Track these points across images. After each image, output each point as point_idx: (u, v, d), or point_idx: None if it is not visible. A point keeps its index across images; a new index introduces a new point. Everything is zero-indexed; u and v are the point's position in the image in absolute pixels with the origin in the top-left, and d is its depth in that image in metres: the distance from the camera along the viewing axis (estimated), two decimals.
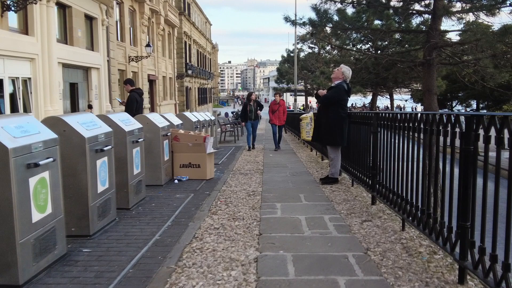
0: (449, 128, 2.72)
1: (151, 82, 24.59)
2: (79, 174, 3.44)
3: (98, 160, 3.63)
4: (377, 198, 4.42)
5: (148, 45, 20.79)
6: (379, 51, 20.20)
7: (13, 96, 11.23)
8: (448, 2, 11.92)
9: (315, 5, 12.75)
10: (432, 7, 11.68)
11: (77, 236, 3.47)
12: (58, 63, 13.09)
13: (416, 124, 3.28)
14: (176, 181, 6.21)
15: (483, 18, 11.56)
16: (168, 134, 6.19)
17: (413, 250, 3.12)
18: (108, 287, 2.54)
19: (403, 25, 14.44)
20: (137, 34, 21.92)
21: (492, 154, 2.32)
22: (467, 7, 11.68)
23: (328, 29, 15.45)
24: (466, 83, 17.41)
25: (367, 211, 4.30)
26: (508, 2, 10.87)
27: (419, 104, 38.20)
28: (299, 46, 36.17)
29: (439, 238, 2.84)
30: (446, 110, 36.97)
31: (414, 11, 12.98)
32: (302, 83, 40.21)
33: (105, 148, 3.69)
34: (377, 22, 16.56)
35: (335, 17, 13.84)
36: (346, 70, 5.72)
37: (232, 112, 36.57)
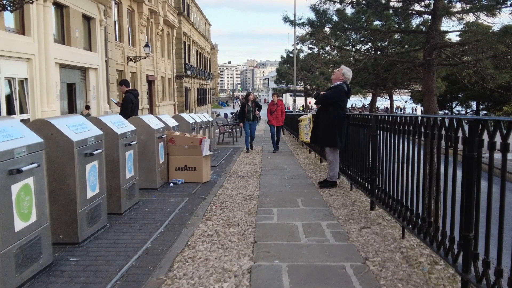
0: (451, 133, 2.60)
1: (150, 82, 24.47)
2: (67, 179, 3.32)
3: (88, 164, 3.51)
4: (376, 203, 4.30)
5: (146, 46, 20.67)
6: (378, 52, 20.08)
7: (9, 97, 11.11)
8: (448, 2, 11.82)
9: (314, 5, 12.64)
10: (432, 7, 11.57)
11: (65, 243, 3.35)
12: (55, 64, 12.98)
13: (417, 128, 3.16)
14: (171, 184, 6.09)
15: (484, 18, 11.44)
16: (164, 136, 6.07)
17: (414, 260, 3.00)
18: None
19: (402, 25, 14.33)
20: (135, 35, 21.80)
21: (497, 156, 2.19)
22: (467, 8, 11.58)
23: (327, 30, 15.34)
24: (466, 84, 17.30)
25: (366, 217, 4.18)
26: (508, 3, 10.77)
27: (419, 105, 38.10)
28: (298, 46, 36.09)
29: (440, 248, 2.72)
30: (446, 111, 36.89)
31: (414, 12, 12.88)
32: (301, 84, 40.12)
33: (94, 152, 3.56)
34: (376, 22, 16.46)
35: (335, 18, 13.75)
36: (346, 72, 5.60)
37: (232, 113, 36.49)
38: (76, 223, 3.36)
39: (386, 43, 19.89)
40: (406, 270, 2.82)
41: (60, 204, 3.34)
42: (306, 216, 4.23)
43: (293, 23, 13.92)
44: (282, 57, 44.25)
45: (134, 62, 20.81)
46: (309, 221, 4.06)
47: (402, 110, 51.41)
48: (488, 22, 11.67)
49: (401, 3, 12.80)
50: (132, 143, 4.56)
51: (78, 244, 3.37)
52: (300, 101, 46.07)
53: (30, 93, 11.88)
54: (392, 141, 3.78)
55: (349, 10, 14.48)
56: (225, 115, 37.38)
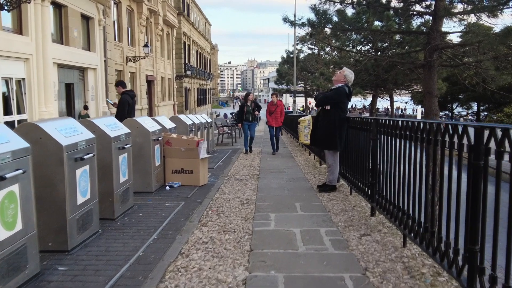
0: (455, 139, 2.48)
1: (149, 82, 24.35)
2: (56, 185, 3.20)
3: (78, 169, 3.39)
4: (376, 209, 4.18)
5: (146, 46, 20.55)
6: (379, 53, 19.98)
7: (6, 97, 11.00)
8: (450, 3, 11.72)
9: (314, 5, 12.52)
10: (433, 8, 11.46)
11: (54, 251, 3.23)
12: (53, 63, 12.86)
13: (419, 133, 3.04)
14: (167, 187, 5.97)
15: (485, 19, 11.33)
16: (160, 138, 5.95)
17: (415, 271, 2.88)
18: None
19: (403, 26, 14.22)
20: (135, 34, 21.68)
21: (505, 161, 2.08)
22: (469, 8, 11.47)
23: (327, 30, 15.22)
24: (467, 86, 17.20)
25: (366, 224, 4.06)
26: (510, 3, 10.66)
27: (419, 106, 38.01)
28: (298, 47, 36.00)
29: (444, 260, 2.60)
30: (447, 112, 36.79)
31: (414, 12, 12.77)
32: (301, 84, 40.03)
33: (85, 157, 3.44)
34: (377, 23, 16.36)
35: (335, 18, 13.64)
36: (348, 74, 5.48)
37: (231, 113, 36.35)
38: (66, 230, 3.24)
39: (386, 44, 19.80)
40: (408, 282, 2.70)
41: (49, 210, 3.22)
42: (304, 222, 4.12)
43: (293, 24, 13.80)
44: (282, 57, 44.17)
45: (134, 62, 20.69)
46: (308, 227, 3.94)
47: (403, 111, 51.26)
48: (490, 23, 11.57)
49: (401, 4, 12.69)
50: (126, 146, 4.44)
51: (67, 252, 3.25)
52: (300, 101, 45.94)
53: (27, 93, 11.77)
54: (393, 145, 3.67)
55: (350, 11, 14.38)
56: (225, 115, 37.26)
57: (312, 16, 13.07)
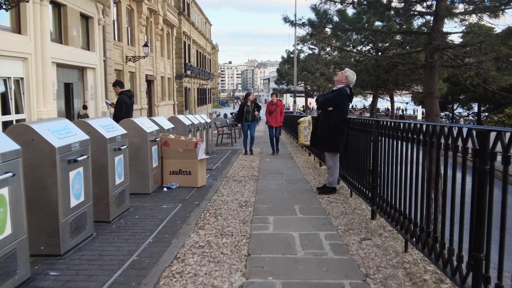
0: (460, 143, 2.40)
1: (149, 82, 24.27)
2: (48, 188, 3.12)
3: (72, 171, 3.31)
4: (377, 212, 4.10)
5: (145, 45, 20.47)
6: (379, 53, 19.90)
7: (4, 97, 10.92)
8: (451, 3, 11.64)
9: (315, 5, 12.44)
10: (434, 8, 11.38)
11: (47, 255, 3.15)
12: (52, 63, 12.79)
13: (422, 136, 2.96)
14: (165, 189, 5.89)
15: (487, 20, 11.25)
16: (157, 139, 5.86)
17: (417, 277, 2.80)
18: None
19: (404, 26, 14.14)
20: (135, 34, 21.60)
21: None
22: (470, 9, 11.39)
23: (328, 30, 15.14)
24: (468, 86, 17.11)
25: (367, 227, 3.97)
26: None
27: (420, 107, 37.90)
28: (299, 47, 35.90)
29: (447, 267, 2.52)
30: (447, 112, 36.69)
31: (415, 12, 12.68)
32: (302, 84, 39.93)
33: (79, 158, 3.36)
34: (378, 23, 16.27)
35: (335, 18, 13.56)
36: (350, 74, 5.38)
37: (231, 113, 36.27)
38: (58, 234, 3.16)
39: (387, 44, 19.70)
40: None
41: (41, 213, 3.14)
42: (303, 226, 4.03)
43: (293, 24, 13.73)
44: (282, 57, 44.07)
45: (133, 62, 20.61)
46: (307, 231, 3.86)
47: (403, 112, 51.15)
48: (492, 24, 11.50)
49: (402, 4, 12.61)
50: (122, 147, 4.36)
51: (60, 256, 3.17)
52: (301, 101, 45.86)
53: (26, 93, 11.70)
54: (395, 148, 3.59)
55: (350, 11, 14.31)
56: (225, 115, 37.19)
57: (312, 16, 13.00)
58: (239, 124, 10.69)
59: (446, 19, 11.36)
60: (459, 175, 2.48)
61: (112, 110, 7.37)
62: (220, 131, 14.46)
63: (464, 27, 12.36)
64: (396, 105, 38.63)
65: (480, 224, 2.19)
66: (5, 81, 10.92)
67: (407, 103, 33.56)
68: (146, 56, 21.15)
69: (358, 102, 50.89)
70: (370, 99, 28.00)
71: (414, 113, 45.49)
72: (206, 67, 48.58)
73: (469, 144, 2.32)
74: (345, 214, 4.47)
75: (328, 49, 31.22)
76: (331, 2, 12.14)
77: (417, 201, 3.06)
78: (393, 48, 19.16)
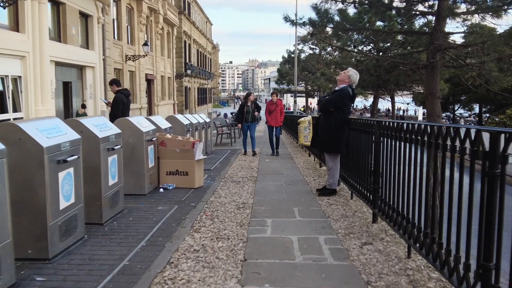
0: (467, 145, 2.27)
1: (149, 81, 24.16)
2: (36, 189, 2.99)
3: (61, 172, 3.18)
4: (378, 215, 3.97)
5: (145, 44, 20.34)
6: (381, 53, 19.76)
7: (2, 95, 10.81)
8: (453, 3, 11.51)
9: (316, 4, 12.32)
10: (436, 8, 11.25)
11: (34, 259, 3.02)
12: (51, 61, 12.67)
13: (426, 137, 2.82)
14: (161, 189, 5.76)
15: (489, 20, 11.13)
16: (154, 139, 5.73)
17: (421, 285, 2.67)
18: None
19: (405, 26, 14.01)
20: (134, 33, 21.48)
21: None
22: (473, 9, 11.27)
23: (329, 30, 15.02)
24: (469, 87, 16.98)
25: (368, 231, 3.84)
26: None
27: (421, 107, 37.77)
28: (300, 47, 35.79)
29: (453, 275, 2.39)
30: (448, 113, 36.55)
31: (417, 12, 12.55)
32: (302, 84, 39.82)
33: (69, 159, 3.23)
34: (379, 23, 16.15)
35: (336, 18, 13.43)
36: (353, 74, 5.23)
37: (232, 113, 36.12)
38: (46, 237, 3.03)
39: (388, 44, 19.57)
40: None
41: (29, 216, 3.01)
42: (302, 229, 3.90)
43: (294, 23, 13.60)
44: (283, 57, 43.96)
45: (133, 61, 20.49)
46: (306, 234, 3.73)
47: (404, 112, 51.00)
48: (494, 24, 11.38)
49: (404, 4, 12.47)
50: (116, 147, 4.23)
51: (48, 260, 3.04)
52: (301, 101, 45.73)
53: (24, 91, 11.58)
54: (397, 149, 3.45)
55: (351, 10, 14.18)
56: (225, 115, 37.07)
57: (313, 15, 12.88)
58: (239, 125, 10.52)
59: (448, 19, 11.24)
60: (465, 178, 2.35)
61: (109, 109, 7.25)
62: (219, 131, 14.33)
63: (466, 28, 12.24)
64: (397, 105, 38.52)
65: (490, 231, 2.06)
66: (2, 79, 10.81)
67: (408, 104, 33.40)
68: (146, 55, 21.03)
69: (359, 102, 50.75)
70: (371, 99, 27.86)
71: (415, 113, 45.32)
72: (206, 66, 48.45)
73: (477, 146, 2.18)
74: (345, 217, 4.34)
75: (329, 49, 31.10)
76: (332, 1, 12.02)
77: (421, 205, 2.93)
78: (395, 48, 19.03)
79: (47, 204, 3.01)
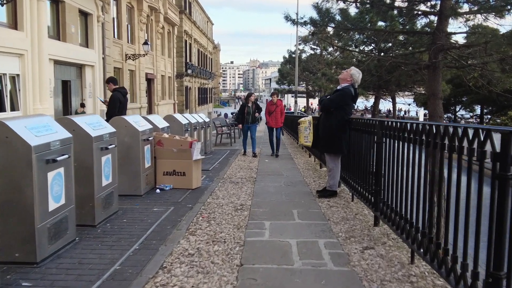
0: (475, 146, 2.14)
1: (149, 81, 24.05)
2: (24, 189, 2.87)
3: (50, 172, 3.06)
4: (380, 219, 3.84)
5: (145, 43, 20.23)
6: (382, 53, 19.63)
7: (0, 94, 10.70)
8: (455, 2, 11.39)
9: (317, 3, 12.19)
10: (438, 8, 11.13)
11: (22, 263, 2.90)
12: (50, 60, 12.57)
13: (431, 138, 2.70)
14: (158, 190, 5.63)
15: (492, 20, 11.00)
16: (150, 138, 5.61)
17: None
18: None
19: (407, 26, 13.89)
20: (135, 32, 21.37)
21: None
22: (475, 9, 11.14)
23: (330, 30, 14.89)
24: (471, 87, 16.84)
25: (369, 235, 3.71)
26: None
27: (422, 108, 37.60)
28: (301, 47, 35.66)
29: (459, 283, 2.26)
30: (450, 115, 36.40)
31: (419, 12, 12.42)
32: (303, 85, 39.68)
33: (59, 158, 3.11)
34: (380, 23, 16.01)
35: (337, 17, 13.32)
36: (355, 73, 5.09)
37: (232, 113, 36.01)
38: (34, 240, 2.91)
39: (390, 45, 19.43)
40: None
41: (16, 217, 2.89)
42: (301, 232, 3.78)
43: (295, 22, 13.47)
44: (284, 57, 43.81)
45: (133, 60, 20.38)
46: (305, 238, 3.60)
47: (405, 113, 50.84)
48: (497, 24, 11.25)
49: (406, 3, 12.34)
50: (109, 146, 4.11)
51: (36, 264, 2.91)
52: (302, 102, 45.58)
53: (22, 90, 11.48)
54: (400, 150, 3.33)
55: (353, 10, 14.08)
56: (225, 115, 36.92)
57: (314, 14, 12.75)
58: (240, 125, 10.36)
59: (450, 19, 11.11)
60: (479, 185, 2.22)
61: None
62: (219, 131, 14.20)
63: (468, 28, 12.11)
64: (398, 106, 38.35)
65: (501, 238, 1.93)
66: (0, 77, 10.70)
67: (409, 105, 33.25)
68: (146, 54, 20.92)
69: (360, 103, 50.61)
70: (371, 100, 27.72)
71: (416, 114, 45.15)
72: (207, 66, 48.35)
73: (487, 147, 2.06)
74: (346, 220, 4.21)
75: (330, 49, 30.97)
76: (333, 0, 11.90)
77: (425, 209, 2.80)
78: (396, 48, 18.90)
79: (35, 205, 2.89)
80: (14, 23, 11.22)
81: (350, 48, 19.65)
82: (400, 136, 3.31)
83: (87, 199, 3.81)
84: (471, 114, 37.86)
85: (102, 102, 7.74)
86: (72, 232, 3.39)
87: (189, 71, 34.78)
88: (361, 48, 20.83)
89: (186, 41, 34.26)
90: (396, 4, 12.69)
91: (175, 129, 7.71)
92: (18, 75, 11.37)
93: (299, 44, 32.38)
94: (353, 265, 3.00)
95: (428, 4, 12.10)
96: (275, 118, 10.13)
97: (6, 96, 10.99)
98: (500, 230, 1.93)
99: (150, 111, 23.80)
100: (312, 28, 13.87)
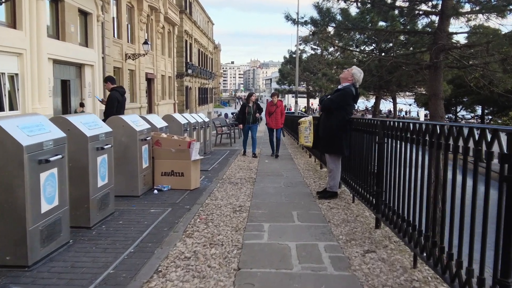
0: (483, 147, 2.06)
1: (149, 80, 23.98)
2: (15, 191, 2.78)
3: (43, 172, 2.97)
4: (382, 221, 3.75)
5: (145, 43, 20.15)
6: (383, 53, 19.54)
7: None
8: (457, 2, 11.31)
9: (317, 3, 12.12)
10: (439, 7, 11.04)
11: (12, 266, 2.82)
12: (49, 59, 12.51)
13: (435, 138, 2.61)
14: (156, 191, 5.55)
15: (493, 20, 10.92)
16: (148, 138, 5.53)
17: None
18: None
19: (408, 27, 13.81)
20: (135, 31, 21.30)
21: None
22: (477, 8, 11.06)
23: (330, 29, 14.80)
24: (473, 88, 16.75)
25: (370, 238, 3.63)
26: None
27: (423, 109, 37.49)
28: (301, 47, 35.59)
29: None
30: (450, 115, 36.31)
31: (420, 12, 12.34)
32: (304, 85, 39.59)
33: (52, 158, 3.03)
34: (381, 23, 15.94)
35: (338, 17, 13.24)
36: (357, 72, 5.00)
37: (232, 113, 35.94)
38: (26, 243, 2.82)
39: (391, 44, 19.35)
40: None
41: (7, 220, 2.81)
42: (301, 235, 3.69)
43: (295, 22, 13.38)
44: (285, 57, 43.72)
45: (133, 60, 20.30)
46: (305, 241, 3.52)
47: (406, 114, 50.72)
48: (499, 24, 11.19)
49: (407, 3, 12.26)
50: (105, 146, 4.02)
51: (27, 267, 2.83)
52: (302, 102, 45.49)
53: (20, 89, 11.41)
54: (403, 150, 3.24)
55: (353, 10, 14.01)
56: (226, 115, 36.85)
57: (315, 14, 12.67)
58: (240, 125, 10.25)
59: (452, 19, 11.02)
60: (486, 188, 2.14)
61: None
62: (219, 131, 14.12)
63: (469, 28, 12.04)
64: (399, 106, 38.25)
65: (509, 243, 1.84)
66: None
67: (410, 105, 33.14)
68: (146, 54, 20.84)
69: (360, 103, 50.54)
70: (372, 100, 27.63)
71: (417, 115, 45.03)
72: (207, 66, 48.27)
73: (495, 148, 1.97)
74: (346, 222, 4.12)
75: (330, 49, 30.89)
76: None
77: (428, 211, 2.72)
78: (397, 48, 18.81)
79: (26, 207, 2.80)
80: (13, 22, 11.15)
81: (351, 48, 19.57)
82: (403, 137, 3.22)
83: (82, 200, 3.72)
84: (472, 114, 37.78)
85: (100, 101, 7.66)
86: (65, 235, 3.31)
87: (190, 71, 34.70)
88: (362, 48, 20.76)
89: (186, 41, 34.18)
90: (397, 4, 12.61)
91: (174, 129, 7.63)
92: (17, 74, 11.31)
93: (300, 44, 32.31)
94: (354, 269, 2.91)
95: (430, 4, 12.01)
96: (275, 119, 10.02)
97: (5, 95, 10.92)
98: (508, 234, 1.85)
99: (150, 111, 23.73)
100: (312, 28, 13.78)
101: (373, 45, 21.08)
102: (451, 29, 12.67)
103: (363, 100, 31.86)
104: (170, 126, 7.26)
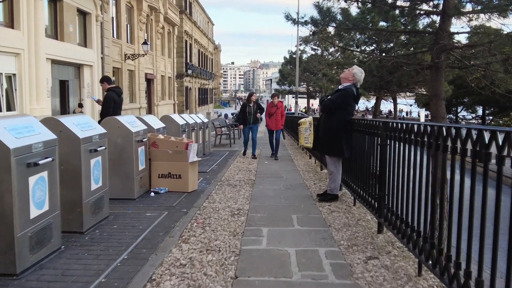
0: (494, 150, 1.94)
1: (149, 81, 23.88)
2: (2, 196, 2.66)
3: (32, 176, 2.86)
4: (384, 225, 3.63)
5: (145, 43, 20.04)
6: (383, 54, 19.43)
7: None
8: (458, 2, 11.20)
9: (318, 2, 12.00)
10: (441, 7, 10.93)
11: (0, 275, 2.70)
12: (47, 59, 12.40)
13: (441, 141, 2.49)
14: (152, 193, 5.43)
15: (495, 20, 10.80)
16: (145, 139, 5.41)
17: None
18: None
19: (409, 27, 13.70)
20: (134, 32, 21.20)
21: None
22: (479, 8, 10.95)
23: (331, 29, 14.70)
24: (474, 88, 16.63)
25: (373, 243, 3.51)
26: None
27: (424, 109, 37.36)
28: (301, 47, 35.47)
29: None
30: (451, 116, 36.19)
31: (422, 11, 12.22)
32: (304, 85, 39.49)
33: (41, 161, 2.91)
34: (382, 23, 15.82)
35: (339, 17, 13.12)
36: (358, 72, 4.88)
37: (232, 114, 35.83)
38: (14, 250, 2.71)
39: (392, 45, 19.24)
40: None
41: None
42: (301, 240, 3.57)
43: (295, 22, 13.26)
44: (285, 58, 43.59)
45: (132, 60, 20.19)
46: (305, 246, 3.40)
47: (407, 114, 50.59)
48: (501, 24, 11.08)
49: (408, 3, 12.14)
50: (99, 148, 3.91)
51: (16, 275, 2.71)
52: (303, 103, 45.39)
53: (18, 90, 11.31)
54: (406, 153, 3.12)
55: (354, 10, 13.92)
56: (225, 116, 36.73)
57: (315, 14, 12.56)
58: (241, 126, 10.11)
59: (453, 19, 10.91)
60: (497, 192, 2.02)
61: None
62: (218, 131, 14.00)
63: (470, 28, 11.93)
64: (399, 107, 38.11)
65: None
66: None
67: (411, 106, 33.01)
68: (146, 54, 20.73)
69: (361, 103, 50.38)
70: (373, 100, 27.49)
71: (418, 115, 44.89)
72: (207, 67, 48.17)
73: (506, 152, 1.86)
74: (348, 226, 4.00)
75: (331, 49, 30.78)
76: None
77: (434, 217, 2.60)
78: (398, 48, 18.70)
79: (14, 212, 2.68)
80: (10, 21, 11.06)
81: (351, 48, 19.46)
82: (406, 138, 3.10)
83: (75, 204, 3.60)
84: (473, 115, 37.67)
85: (96, 101, 7.55)
86: (56, 240, 3.19)
87: (190, 72, 34.61)
88: (363, 48, 20.64)
89: (186, 41, 34.09)
90: (398, 3, 12.50)
91: (172, 130, 7.51)
92: (14, 74, 11.21)
93: (300, 44, 32.21)
94: (356, 277, 2.79)
95: (431, 3, 11.89)
96: (275, 120, 9.88)
97: (2, 96, 10.82)
98: None
99: (149, 111, 23.63)
100: (313, 27, 13.66)
101: (374, 45, 20.95)
102: (453, 29, 12.57)
103: (364, 101, 31.71)
104: (168, 127, 7.14)
